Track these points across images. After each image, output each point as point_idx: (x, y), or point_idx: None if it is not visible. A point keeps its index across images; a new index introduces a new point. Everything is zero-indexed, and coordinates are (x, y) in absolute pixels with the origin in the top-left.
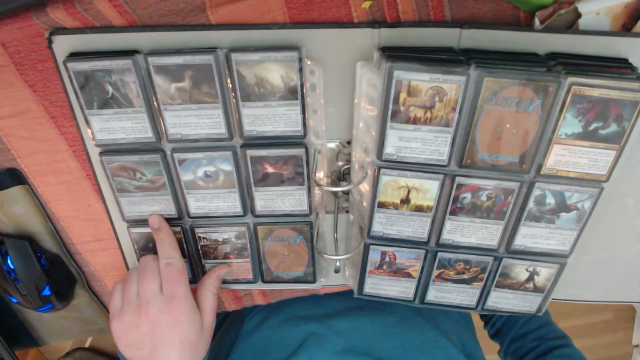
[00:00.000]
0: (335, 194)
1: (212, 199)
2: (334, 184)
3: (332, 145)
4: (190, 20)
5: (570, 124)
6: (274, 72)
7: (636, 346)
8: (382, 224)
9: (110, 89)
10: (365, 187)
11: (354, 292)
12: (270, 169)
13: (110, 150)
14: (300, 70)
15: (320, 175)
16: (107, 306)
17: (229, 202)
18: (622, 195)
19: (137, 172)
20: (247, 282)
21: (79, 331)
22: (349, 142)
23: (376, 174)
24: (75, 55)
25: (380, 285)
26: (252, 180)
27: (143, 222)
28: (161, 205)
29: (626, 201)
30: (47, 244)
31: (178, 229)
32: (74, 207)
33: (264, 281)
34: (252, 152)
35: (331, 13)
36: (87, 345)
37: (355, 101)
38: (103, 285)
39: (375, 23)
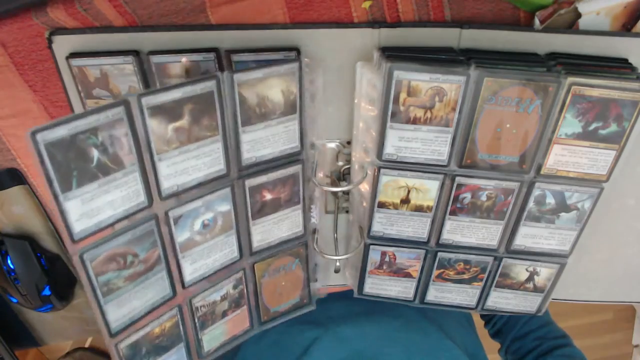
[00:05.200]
0: (335, 194)
1: (209, 253)
2: (334, 184)
3: (332, 145)
4: (190, 20)
5: (570, 124)
6: (275, 87)
7: (636, 346)
8: (382, 224)
9: (95, 153)
10: (365, 187)
11: (354, 293)
12: (268, 196)
13: (94, 242)
14: (300, 70)
15: (320, 175)
16: None
17: (225, 250)
18: (622, 195)
19: (129, 256)
20: (244, 333)
21: (79, 331)
22: (349, 142)
23: (376, 174)
24: (75, 56)
25: (380, 285)
26: (249, 214)
27: (133, 327)
28: (155, 289)
29: (626, 201)
30: (47, 244)
31: (174, 311)
32: None
33: (261, 323)
34: (250, 182)
35: (331, 13)
36: (87, 345)
37: (355, 101)
38: None
39: (375, 23)
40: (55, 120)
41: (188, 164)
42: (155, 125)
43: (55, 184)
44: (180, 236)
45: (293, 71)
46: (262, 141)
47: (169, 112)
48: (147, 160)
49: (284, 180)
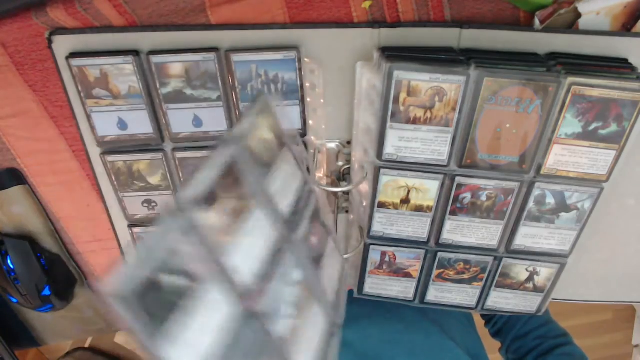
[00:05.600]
0: (335, 194)
1: (307, 334)
2: (334, 184)
3: (332, 145)
4: (190, 20)
5: (570, 124)
6: (264, 127)
7: (636, 346)
8: (382, 224)
9: (173, 280)
10: (365, 187)
11: (354, 293)
12: (313, 240)
13: None
14: (300, 70)
15: (320, 175)
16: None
17: (317, 324)
18: (622, 195)
19: None
20: None
21: (79, 331)
22: (349, 142)
23: (376, 174)
24: (75, 56)
25: (380, 285)
26: (315, 272)
27: None
28: None
29: (626, 201)
30: (47, 244)
31: None
32: (74, 207)
33: None
34: (298, 235)
35: (331, 13)
36: (87, 345)
37: (355, 101)
38: None
39: (375, 23)
40: (125, 266)
41: (249, 244)
42: (210, 218)
43: (157, 336)
44: (278, 329)
45: (265, 107)
46: (282, 190)
47: (208, 198)
48: (222, 260)
49: (313, 218)
